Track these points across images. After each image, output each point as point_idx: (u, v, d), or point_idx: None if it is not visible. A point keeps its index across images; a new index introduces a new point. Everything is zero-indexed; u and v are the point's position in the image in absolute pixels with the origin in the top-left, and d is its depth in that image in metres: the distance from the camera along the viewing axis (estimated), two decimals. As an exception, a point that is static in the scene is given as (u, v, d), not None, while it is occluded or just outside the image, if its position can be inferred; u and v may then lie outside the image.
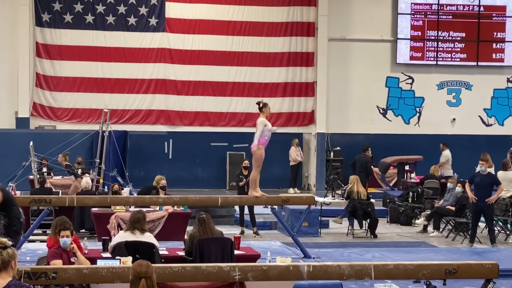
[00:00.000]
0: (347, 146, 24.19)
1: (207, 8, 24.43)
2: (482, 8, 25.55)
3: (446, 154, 21.64)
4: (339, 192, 18.35)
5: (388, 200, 18.80)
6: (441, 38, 25.47)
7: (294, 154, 23.08)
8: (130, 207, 13.18)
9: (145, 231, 9.27)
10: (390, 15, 25.40)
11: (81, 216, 14.49)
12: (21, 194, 15.92)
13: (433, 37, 25.45)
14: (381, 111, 25.58)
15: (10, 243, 5.87)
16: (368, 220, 15.98)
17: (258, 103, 11.20)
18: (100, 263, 8.11)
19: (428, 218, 16.48)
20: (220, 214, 16.68)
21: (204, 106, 24.49)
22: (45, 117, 23.66)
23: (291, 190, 22.46)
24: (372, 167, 21.17)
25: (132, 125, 23.88)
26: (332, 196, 18.01)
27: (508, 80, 26.04)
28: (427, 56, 25.51)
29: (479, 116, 25.97)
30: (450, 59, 25.62)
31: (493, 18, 25.69)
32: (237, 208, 16.46)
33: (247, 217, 15.80)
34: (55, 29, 23.71)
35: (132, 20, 24.11)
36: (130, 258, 8.21)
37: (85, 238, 10.40)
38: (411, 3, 25.29)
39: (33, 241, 12.77)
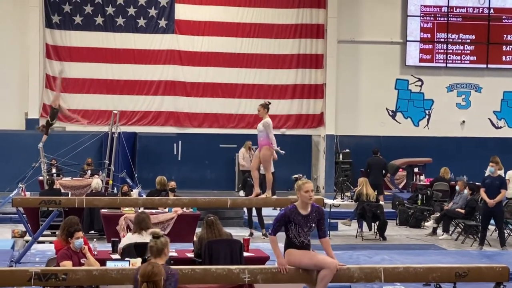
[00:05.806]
0: (356, 148, 24.16)
1: (217, 10, 24.43)
2: (492, 11, 25.47)
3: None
4: (348, 194, 18.30)
5: (397, 203, 18.76)
6: (451, 40, 25.40)
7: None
8: (139, 209, 13.19)
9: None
10: (400, 17, 25.34)
11: (90, 217, 14.52)
12: (31, 195, 15.98)
13: (442, 39, 25.38)
14: (391, 113, 25.52)
15: (162, 232, 6.57)
16: (377, 223, 15.97)
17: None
18: (110, 264, 8.12)
19: (437, 221, 16.44)
20: (229, 216, 16.67)
21: (213, 108, 24.49)
22: (54, 119, 23.71)
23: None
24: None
25: (141, 127, 23.90)
26: (341, 198, 17.95)
27: (518, 83, 25.96)
28: (436, 58, 25.44)
29: (489, 119, 25.87)
30: (459, 62, 25.55)
31: (503, 21, 25.59)
32: (245, 210, 16.42)
33: (255, 219, 15.79)
34: (65, 30, 23.77)
35: (141, 22, 24.15)
36: (139, 260, 8.22)
37: (95, 240, 10.41)
38: (421, 5, 25.23)
39: (43, 242, 12.79)
